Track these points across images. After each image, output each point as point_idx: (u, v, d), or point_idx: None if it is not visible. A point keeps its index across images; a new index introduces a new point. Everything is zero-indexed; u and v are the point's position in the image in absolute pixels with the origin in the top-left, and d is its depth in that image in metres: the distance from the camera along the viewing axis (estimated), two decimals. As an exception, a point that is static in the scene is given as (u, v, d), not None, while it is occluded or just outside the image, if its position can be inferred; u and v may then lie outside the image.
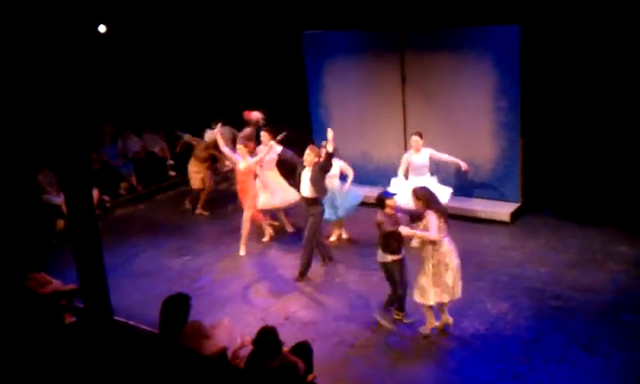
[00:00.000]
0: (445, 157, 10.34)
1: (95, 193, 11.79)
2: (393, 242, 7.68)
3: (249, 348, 6.11)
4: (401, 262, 7.87)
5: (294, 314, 8.58)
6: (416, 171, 10.21)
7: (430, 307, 7.73)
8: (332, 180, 9.95)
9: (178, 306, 6.30)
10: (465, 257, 9.30)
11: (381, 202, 7.83)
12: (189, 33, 14.25)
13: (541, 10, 10.20)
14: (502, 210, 10.88)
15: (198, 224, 11.88)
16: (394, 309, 8.12)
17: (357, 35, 12.09)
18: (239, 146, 10.38)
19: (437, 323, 7.88)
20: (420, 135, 10.17)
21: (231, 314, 8.34)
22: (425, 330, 7.85)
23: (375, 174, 11.79)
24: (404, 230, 7.58)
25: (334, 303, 8.77)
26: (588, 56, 10.06)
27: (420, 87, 11.51)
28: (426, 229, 7.45)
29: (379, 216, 7.77)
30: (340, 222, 10.59)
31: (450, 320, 7.88)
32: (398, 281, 7.88)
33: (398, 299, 8.01)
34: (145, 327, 7.72)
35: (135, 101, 14.62)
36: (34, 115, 11.76)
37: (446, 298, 7.61)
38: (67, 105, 6.25)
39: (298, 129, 13.25)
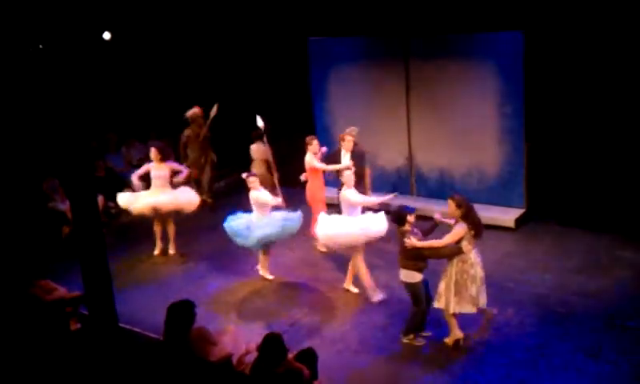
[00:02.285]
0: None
1: (100, 200, 11.81)
2: (421, 260, 7.52)
3: (254, 354, 6.11)
4: (424, 280, 7.68)
5: (299, 320, 8.57)
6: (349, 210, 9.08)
7: (454, 316, 7.56)
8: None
9: (182, 312, 6.31)
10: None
11: (401, 217, 7.49)
12: (194, 40, 14.28)
13: (544, 16, 10.21)
14: (507, 216, 10.86)
15: (202, 231, 11.88)
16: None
17: (362, 42, 12.10)
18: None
19: (482, 323, 7.81)
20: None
21: (236, 320, 8.35)
22: (449, 340, 7.69)
23: (379, 182, 11.77)
24: (418, 243, 7.38)
25: (339, 310, 8.76)
26: (592, 61, 10.05)
27: (425, 93, 11.52)
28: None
29: (400, 232, 7.50)
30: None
31: (492, 311, 7.83)
32: (423, 301, 7.68)
33: (421, 320, 7.79)
34: (150, 334, 7.72)
35: (140, 108, 14.65)
36: (38, 123, 11.81)
37: (468, 309, 7.45)
38: (72, 112, 6.28)
39: (301, 135, 13.28)
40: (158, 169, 10.64)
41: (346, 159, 10.11)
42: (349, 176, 8.98)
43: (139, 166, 13.75)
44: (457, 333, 7.65)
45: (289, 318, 8.62)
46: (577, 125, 10.42)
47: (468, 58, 10.96)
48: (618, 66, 9.90)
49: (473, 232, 7.33)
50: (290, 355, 6.00)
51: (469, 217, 7.34)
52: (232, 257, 10.54)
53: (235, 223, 9.44)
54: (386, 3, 11.41)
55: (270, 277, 9.69)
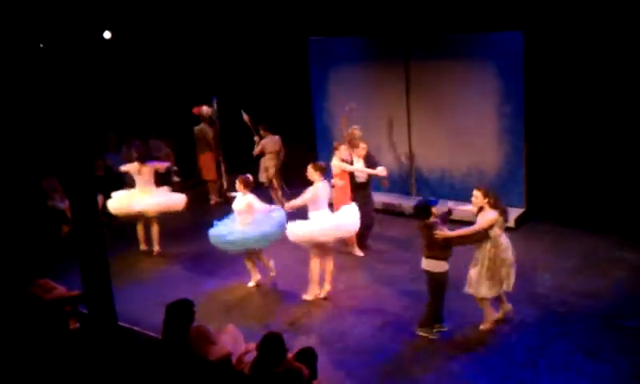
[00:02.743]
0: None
1: (100, 199, 11.81)
2: (449, 249, 7.66)
3: (253, 354, 6.11)
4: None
5: (298, 319, 8.58)
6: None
7: (487, 300, 7.76)
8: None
9: (181, 311, 6.30)
10: (469, 262, 9.32)
11: (426, 210, 7.64)
12: (194, 39, 14.29)
13: (544, 16, 10.21)
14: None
15: (202, 230, 11.87)
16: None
17: (361, 42, 12.11)
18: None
19: (498, 314, 7.92)
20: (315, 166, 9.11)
21: (236, 319, 8.34)
22: (486, 325, 7.87)
23: (379, 180, 11.76)
24: (450, 234, 7.60)
25: (339, 309, 8.76)
26: (592, 62, 10.07)
27: (425, 93, 11.52)
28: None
29: (426, 224, 7.61)
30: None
31: (509, 306, 7.96)
32: (444, 291, 7.78)
33: (439, 311, 7.85)
34: (149, 333, 7.73)
35: (140, 107, 14.66)
36: (38, 121, 11.82)
37: (495, 291, 7.74)
38: (72, 111, 6.28)
39: (301, 135, 13.30)
40: (139, 170, 10.76)
41: (359, 165, 10.11)
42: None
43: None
44: (491, 318, 7.86)
45: (288, 317, 8.62)
46: (576, 125, 10.45)
47: (468, 59, 10.96)
48: (618, 67, 9.92)
49: (503, 217, 7.64)
50: (290, 355, 6.00)
51: (497, 204, 7.65)
52: (231, 256, 10.53)
53: (217, 230, 9.36)
54: (386, 3, 11.41)
55: (257, 279, 9.59)
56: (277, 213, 9.38)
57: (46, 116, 10.95)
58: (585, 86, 10.22)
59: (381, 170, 10.05)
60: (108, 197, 11.84)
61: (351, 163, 10.11)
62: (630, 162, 10.04)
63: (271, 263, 9.63)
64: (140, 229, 10.96)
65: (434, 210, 7.68)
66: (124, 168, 11.07)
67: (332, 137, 12.69)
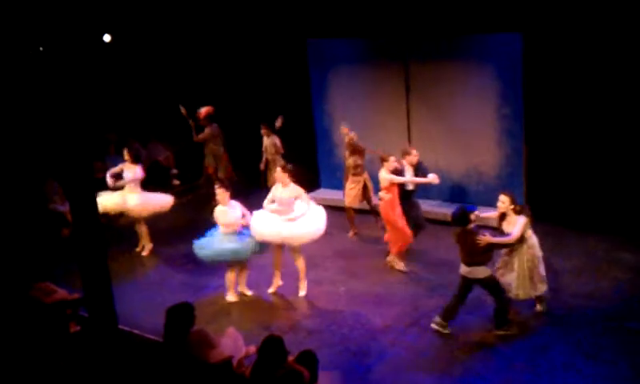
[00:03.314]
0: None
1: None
2: (490, 253, 7.76)
3: (254, 357, 6.12)
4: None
5: (298, 322, 8.58)
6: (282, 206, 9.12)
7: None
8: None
9: (182, 314, 6.31)
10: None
11: (465, 217, 7.70)
12: (193, 41, 14.30)
13: (543, 18, 10.22)
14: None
15: (202, 232, 11.87)
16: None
17: (361, 44, 12.11)
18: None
19: (538, 308, 8.25)
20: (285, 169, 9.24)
21: (236, 322, 8.34)
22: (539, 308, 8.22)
23: (378, 183, 11.74)
24: (494, 240, 7.73)
25: (339, 312, 8.76)
26: (591, 63, 10.07)
27: (424, 95, 11.53)
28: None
29: (466, 231, 7.69)
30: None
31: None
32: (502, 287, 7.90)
33: (507, 307, 7.89)
34: (150, 336, 7.73)
35: (140, 110, 14.67)
36: (39, 124, 11.81)
37: (542, 289, 7.98)
38: (72, 114, 6.28)
39: (301, 136, 13.30)
40: (128, 170, 10.79)
41: (408, 175, 9.84)
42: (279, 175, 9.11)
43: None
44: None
45: (289, 320, 8.62)
46: (576, 127, 10.44)
47: (467, 60, 10.97)
48: (618, 68, 9.92)
49: (530, 217, 7.92)
50: (290, 358, 6.00)
51: (524, 208, 7.99)
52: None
53: (203, 245, 9.21)
54: (385, 5, 11.42)
55: (243, 293, 9.41)
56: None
57: (46, 119, 10.95)
58: (584, 87, 10.23)
59: (433, 178, 9.72)
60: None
61: (402, 173, 9.75)
62: (630, 163, 10.05)
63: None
64: (141, 228, 11.06)
65: (473, 216, 7.74)
66: (116, 169, 11.04)
67: (332, 138, 12.72)
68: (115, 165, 13.41)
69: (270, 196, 9.21)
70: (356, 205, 10.96)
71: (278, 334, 6.12)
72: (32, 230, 11.04)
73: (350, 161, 10.87)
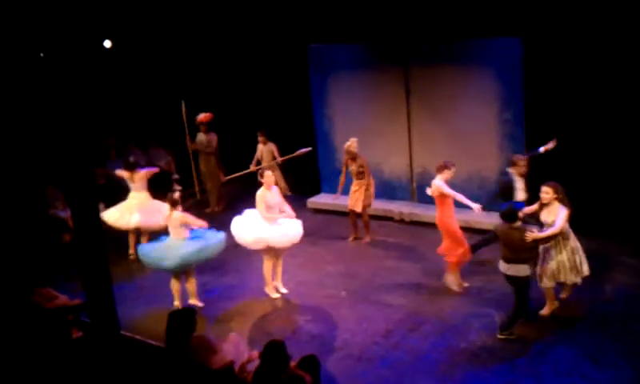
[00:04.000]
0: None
1: (101, 207, 11.80)
2: (535, 250, 7.91)
3: (256, 362, 6.10)
4: None
5: (300, 327, 8.56)
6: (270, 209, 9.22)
7: (553, 288, 8.19)
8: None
9: (183, 320, 6.31)
10: (471, 269, 9.33)
11: (514, 214, 7.75)
12: (194, 47, 14.31)
13: (543, 22, 10.22)
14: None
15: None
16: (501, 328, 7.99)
17: (361, 49, 12.12)
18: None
19: (562, 295, 8.40)
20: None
21: (238, 327, 8.33)
22: (546, 311, 8.26)
23: (380, 187, 11.76)
24: (540, 235, 7.81)
25: (341, 316, 8.74)
26: (592, 67, 10.07)
27: (424, 99, 11.53)
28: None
29: (514, 228, 7.73)
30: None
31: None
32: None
33: (521, 316, 7.94)
34: (151, 342, 7.71)
35: (141, 115, 14.67)
36: (40, 130, 11.80)
37: (579, 279, 8.17)
38: (73, 120, 6.28)
39: (301, 141, 13.30)
40: (131, 177, 11.07)
41: (520, 184, 9.47)
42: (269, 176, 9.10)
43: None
44: (554, 303, 8.31)
45: (290, 325, 8.60)
46: (577, 131, 10.43)
47: (467, 64, 10.97)
48: (618, 72, 9.92)
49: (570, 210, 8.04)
50: (293, 363, 5.99)
51: (565, 198, 8.06)
52: (234, 265, 10.55)
53: (148, 250, 9.24)
54: (385, 10, 11.43)
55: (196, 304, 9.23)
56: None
57: (47, 125, 10.95)
58: (585, 92, 10.22)
59: (476, 207, 9.04)
60: (109, 205, 11.85)
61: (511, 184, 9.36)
62: (632, 167, 10.03)
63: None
64: (131, 237, 11.15)
65: (520, 213, 7.84)
66: (118, 172, 11.29)
67: (332, 143, 12.72)
68: (116, 170, 13.46)
69: (262, 204, 9.09)
70: (358, 209, 10.91)
71: (280, 338, 6.10)
72: (33, 235, 11.02)
73: (354, 167, 10.84)
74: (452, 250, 9.16)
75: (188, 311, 6.39)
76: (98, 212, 6.91)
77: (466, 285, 9.07)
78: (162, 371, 6.25)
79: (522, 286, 7.78)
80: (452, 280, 9.21)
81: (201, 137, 12.75)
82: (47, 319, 7.58)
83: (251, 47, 13.75)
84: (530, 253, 7.80)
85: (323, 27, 12.36)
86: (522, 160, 9.50)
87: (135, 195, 11.05)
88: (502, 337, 7.86)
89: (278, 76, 13.59)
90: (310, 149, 11.53)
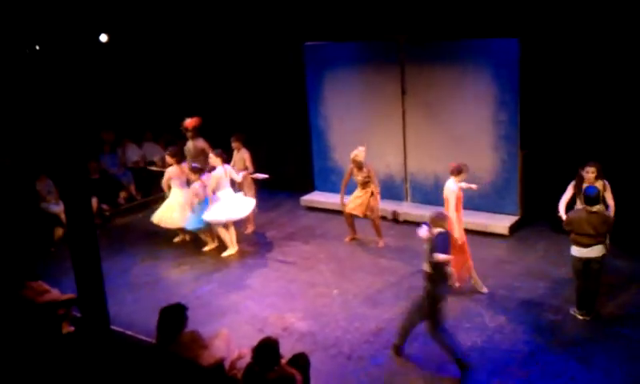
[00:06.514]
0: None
1: (94, 202, 11.79)
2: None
3: (246, 359, 6.10)
4: None
5: (292, 324, 8.56)
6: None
7: None
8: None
9: (174, 316, 6.31)
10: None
11: (597, 198, 7.92)
12: (190, 43, 14.28)
13: (540, 23, 10.24)
14: (501, 223, 10.88)
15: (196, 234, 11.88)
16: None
17: (357, 47, 12.11)
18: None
19: None
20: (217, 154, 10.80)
21: (229, 324, 8.33)
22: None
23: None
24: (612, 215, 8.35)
25: (333, 314, 8.75)
26: (588, 68, 10.09)
27: (420, 99, 11.53)
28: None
29: (593, 212, 7.90)
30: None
31: None
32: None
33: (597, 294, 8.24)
34: (142, 337, 7.71)
35: (135, 110, 14.65)
36: (33, 123, 11.78)
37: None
38: (67, 113, 6.28)
39: (296, 139, 13.31)
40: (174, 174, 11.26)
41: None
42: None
43: (133, 168, 13.83)
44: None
45: (282, 323, 8.61)
46: (572, 132, 10.45)
47: (463, 64, 10.97)
48: (614, 73, 9.94)
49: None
50: (283, 360, 5.99)
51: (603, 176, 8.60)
52: (225, 261, 10.56)
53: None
54: (381, 8, 11.43)
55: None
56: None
57: (41, 118, 10.93)
58: (580, 93, 10.24)
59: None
60: (102, 200, 11.85)
61: None
62: (625, 170, 10.05)
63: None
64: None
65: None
66: (165, 179, 11.28)
67: (327, 141, 12.72)
68: (110, 164, 13.44)
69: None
70: (359, 213, 10.77)
71: (271, 336, 6.10)
72: (24, 229, 11.00)
73: (360, 177, 10.62)
74: (454, 259, 8.55)
75: (179, 307, 6.39)
76: (90, 207, 6.90)
77: (457, 285, 9.05)
78: (152, 367, 6.25)
79: (600, 264, 8.04)
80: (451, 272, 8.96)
81: (188, 144, 11.67)
82: (38, 313, 7.57)
83: (247, 45, 13.73)
84: (607, 234, 8.13)
85: (319, 25, 12.35)
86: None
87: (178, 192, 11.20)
88: (580, 316, 8.17)
89: (273, 74, 13.58)
90: (267, 176, 11.27)
